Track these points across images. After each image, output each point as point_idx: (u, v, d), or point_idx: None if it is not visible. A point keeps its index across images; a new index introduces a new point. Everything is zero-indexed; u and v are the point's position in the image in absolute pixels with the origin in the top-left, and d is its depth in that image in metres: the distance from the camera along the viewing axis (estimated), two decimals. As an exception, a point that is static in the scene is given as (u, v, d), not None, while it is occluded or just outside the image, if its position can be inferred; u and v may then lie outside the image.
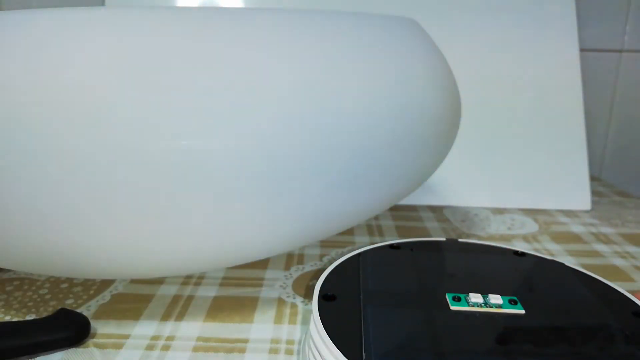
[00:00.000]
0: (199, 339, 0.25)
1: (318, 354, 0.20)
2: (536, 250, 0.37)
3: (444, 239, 0.31)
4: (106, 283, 0.30)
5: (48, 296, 0.29)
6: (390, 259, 0.28)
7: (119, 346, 0.24)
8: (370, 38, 0.25)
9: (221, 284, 0.31)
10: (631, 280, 0.33)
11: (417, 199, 0.48)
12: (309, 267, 0.33)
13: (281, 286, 0.31)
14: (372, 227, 0.41)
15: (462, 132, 0.49)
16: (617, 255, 0.37)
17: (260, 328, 0.26)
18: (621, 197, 0.53)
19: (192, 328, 0.26)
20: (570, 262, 0.36)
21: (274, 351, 0.24)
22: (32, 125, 0.19)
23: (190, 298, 0.29)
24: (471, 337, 0.20)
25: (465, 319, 0.22)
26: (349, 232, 0.40)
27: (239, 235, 0.23)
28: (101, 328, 0.26)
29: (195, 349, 0.24)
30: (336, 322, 0.21)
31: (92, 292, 0.29)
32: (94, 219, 0.21)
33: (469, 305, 0.23)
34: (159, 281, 0.31)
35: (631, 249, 0.38)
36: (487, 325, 0.21)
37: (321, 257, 0.35)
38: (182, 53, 0.20)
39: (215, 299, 0.29)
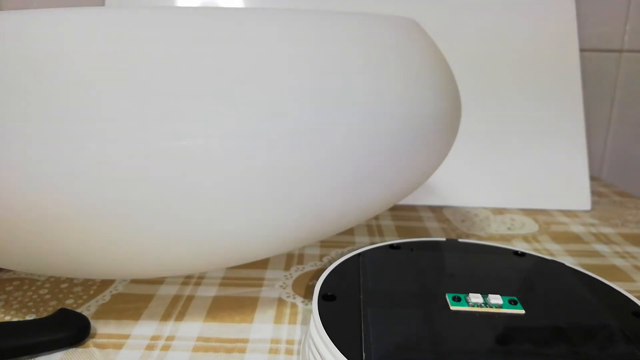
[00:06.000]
0: (199, 339, 0.25)
1: (318, 354, 0.20)
2: (536, 250, 0.37)
3: (444, 239, 0.31)
4: (106, 283, 0.30)
5: (48, 296, 0.29)
6: (390, 259, 0.28)
7: (119, 346, 0.24)
8: (370, 38, 0.25)
9: (221, 284, 0.31)
10: (631, 280, 0.33)
11: (417, 199, 0.48)
12: (309, 267, 0.33)
13: (281, 286, 0.31)
14: (372, 227, 0.41)
15: (462, 132, 0.49)
16: (617, 255, 0.37)
17: (260, 328, 0.26)
18: (621, 197, 0.53)
19: (192, 328, 0.26)
20: (570, 262, 0.36)
21: (274, 351, 0.24)
22: (32, 125, 0.19)
23: (190, 298, 0.29)
24: (471, 337, 0.20)
25: (465, 319, 0.22)
26: (349, 232, 0.40)
27: (239, 235, 0.23)
28: (101, 328, 0.26)
29: (195, 349, 0.24)
30: (336, 322, 0.21)
31: (92, 292, 0.29)
32: (94, 219, 0.21)
33: (469, 306, 0.23)
34: (159, 281, 0.31)
35: (631, 249, 0.38)
36: (487, 325, 0.21)
37: (321, 257, 0.35)
38: (183, 53, 0.20)
39: (215, 299, 0.29)
